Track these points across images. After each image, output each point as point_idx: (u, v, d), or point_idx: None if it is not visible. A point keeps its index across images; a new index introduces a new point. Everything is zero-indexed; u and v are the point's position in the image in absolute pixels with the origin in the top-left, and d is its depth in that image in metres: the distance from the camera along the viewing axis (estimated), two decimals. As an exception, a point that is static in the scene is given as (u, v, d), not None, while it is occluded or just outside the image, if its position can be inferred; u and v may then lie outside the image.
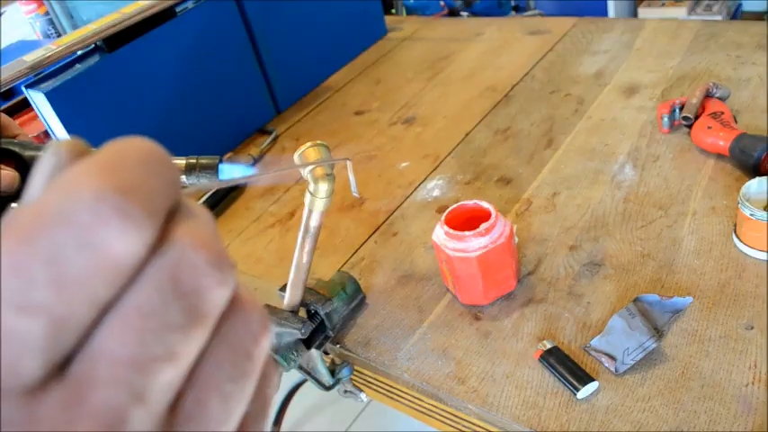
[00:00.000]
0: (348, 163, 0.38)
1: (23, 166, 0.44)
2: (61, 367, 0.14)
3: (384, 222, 0.87)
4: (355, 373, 0.73)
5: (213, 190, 0.99)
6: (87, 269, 0.13)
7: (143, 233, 0.14)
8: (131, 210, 0.14)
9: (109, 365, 0.14)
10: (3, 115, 0.48)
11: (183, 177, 0.47)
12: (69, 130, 0.88)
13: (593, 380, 0.57)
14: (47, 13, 1.26)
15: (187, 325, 0.15)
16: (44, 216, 0.13)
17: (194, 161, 0.46)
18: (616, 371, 0.58)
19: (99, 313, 0.14)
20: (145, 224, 0.14)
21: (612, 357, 0.58)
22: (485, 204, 0.66)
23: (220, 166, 0.47)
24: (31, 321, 0.13)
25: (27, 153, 0.44)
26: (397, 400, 0.72)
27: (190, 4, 1.03)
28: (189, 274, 0.15)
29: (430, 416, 0.69)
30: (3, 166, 0.43)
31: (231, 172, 0.48)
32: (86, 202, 0.13)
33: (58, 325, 0.13)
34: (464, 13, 2.13)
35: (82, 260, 0.13)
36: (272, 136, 1.14)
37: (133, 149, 0.15)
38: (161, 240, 0.15)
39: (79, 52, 0.91)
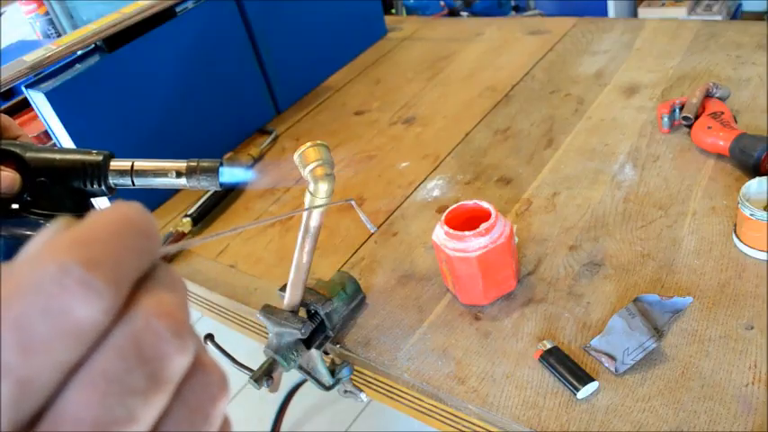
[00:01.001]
0: (352, 203, 0.38)
1: (24, 168, 0.44)
2: (30, 425, 0.14)
3: (384, 222, 0.87)
4: (355, 373, 0.73)
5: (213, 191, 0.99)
6: (51, 334, 0.14)
7: (104, 302, 0.15)
8: (93, 281, 0.15)
9: (73, 426, 0.14)
10: (4, 116, 0.48)
11: (184, 180, 0.46)
12: (69, 130, 0.88)
13: (593, 380, 0.57)
14: (47, 13, 1.26)
15: (148, 390, 0.15)
16: (14, 285, 0.14)
17: (195, 164, 0.46)
18: (616, 371, 0.58)
19: (64, 376, 0.15)
20: (106, 294, 0.15)
21: (612, 357, 0.58)
22: (485, 204, 0.66)
23: (221, 169, 0.47)
24: None
25: (28, 155, 0.44)
26: (397, 400, 0.72)
27: (190, 4, 1.03)
28: (151, 341, 0.16)
29: (430, 416, 0.69)
30: (3, 168, 0.42)
31: (232, 175, 0.48)
32: (52, 273, 0.15)
33: (24, 386, 0.14)
34: (464, 13, 2.13)
35: (46, 326, 0.14)
36: (272, 136, 1.14)
37: (111, 222, 0.16)
38: (126, 308, 0.16)
39: (79, 52, 0.91)
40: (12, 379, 0.14)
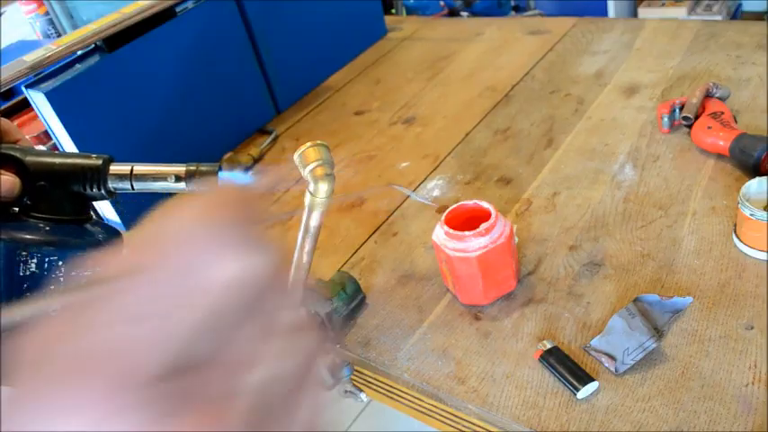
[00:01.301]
0: (398, 188, 0.38)
1: (24, 172, 0.44)
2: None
3: (384, 222, 0.87)
4: (355, 373, 0.73)
5: (213, 190, 0.99)
6: (211, 283, 0.18)
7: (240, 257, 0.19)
8: (233, 239, 0.20)
9: (237, 354, 0.18)
10: (3, 120, 0.48)
11: (183, 185, 0.46)
12: (69, 130, 0.88)
13: (593, 380, 0.57)
14: (47, 13, 1.26)
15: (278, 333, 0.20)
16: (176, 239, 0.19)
17: (194, 168, 0.46)
18: (616, 371, 0.58)
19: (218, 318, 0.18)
20: (240, 250, 0.20)
21: (612, 357, 0.58)
22: (485, 204, 0.66)
23: (220, 173, 0.47)
24: (190, 313, 0.17)
25: (28, 158, 0.44)
26: (397, 400, 0.72)
27: (190, 4, 1.03)
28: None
29: (430, 416, 0.69)
30: (3, 172, 0.42)
31: (231, 179, 0.48)
32: (208, 230, 0.19)
33: (200, 323, 0.18)
34: (464, 13, 2.13)
35: (208, 275, 0.18)
36: (272, 136, 1.14)
37: (231, 194, 0.22)
38: None
39: (79, 52, 0.91)
40: (200, 312, 0.17)
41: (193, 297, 0.18)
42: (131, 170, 0.46)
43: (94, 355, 0.17)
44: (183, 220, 0.20)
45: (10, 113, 1.15)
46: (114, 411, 0.16)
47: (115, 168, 0.46)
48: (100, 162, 0.45)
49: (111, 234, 0.46)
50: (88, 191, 0.45)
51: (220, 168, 0.47)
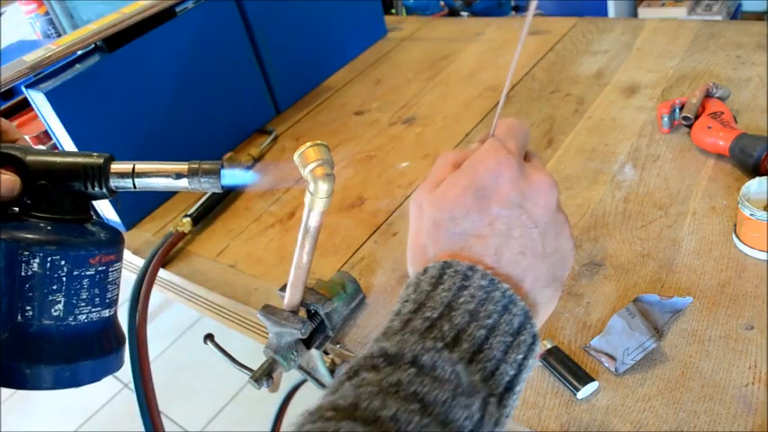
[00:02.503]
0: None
1: (24, 171, 0.44)
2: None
3: (384, 222, 0.87)
4: (355, 373, 0.73)
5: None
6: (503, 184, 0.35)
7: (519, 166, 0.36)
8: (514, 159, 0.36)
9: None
10: (2, 120, 0.48)
11: (185, 182, 0.46)
12: (69, 130, 0.88)
13: (593, 380, 0.57)
14: (47, 13, 1.26)
15: None
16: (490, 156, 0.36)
17: (196, 166, 0.46)
18: (616, 371, 0.58)
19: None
20: (522, 148, 0.38)
21: (612, 357, 0.58)
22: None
23: (222, 170, 0.46)
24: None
25: (28, 158, 0.44)
26: (397, 400, 0.72)
27: (190, 4, 1.03)
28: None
29: (430, 416, 0.69)
30: (3, 171, 0.42)
31: (233, 177, 0.47)
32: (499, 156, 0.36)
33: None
34: (464, 13, 2.13)
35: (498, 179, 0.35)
36: (272, 136, 1.14)
37: (515, 122, 0.39)
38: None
39: (79, 52, 0.91)
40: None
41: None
42: (133, 168, 0.46)
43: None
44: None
45: (10, 113, 1.15)
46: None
47: (116, 167, 0.46)
48: (101, 161, 0.45)
49: (113, 233, 0.46)
50: (89, 189, 0.45)
51: (223, 166, 0.46)
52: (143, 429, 0.76)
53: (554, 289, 0.36)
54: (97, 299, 0.44)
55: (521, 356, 0.31)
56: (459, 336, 0.31)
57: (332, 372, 0.71)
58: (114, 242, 0.45)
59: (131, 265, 0.96)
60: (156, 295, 0.87)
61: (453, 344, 0.30)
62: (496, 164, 0.35)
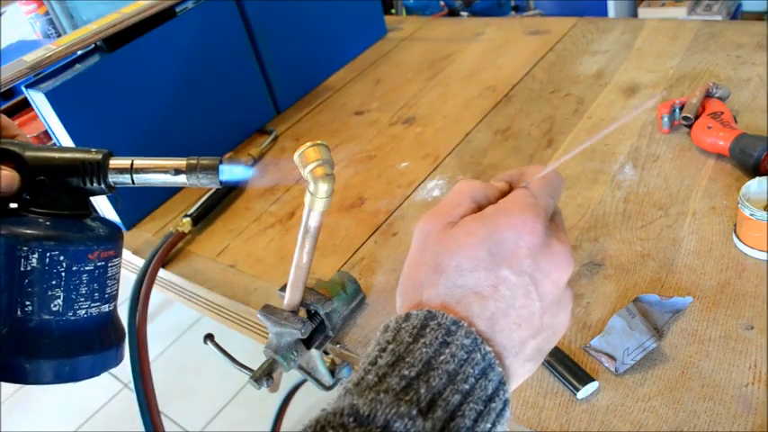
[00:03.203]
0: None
1: (23, 167, 0.44)
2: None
3: (384, 222, 0.87)
4: (355, 373, 0.73)
5: (213, 189, 0.99)
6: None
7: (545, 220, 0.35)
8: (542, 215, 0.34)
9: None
10: (2, 116, 0.48)
11: (184, 178, 0.46)
12: (69, 130, 0.88)
13: (593, 380, 0.57)
14: (47, 13, 1.26)
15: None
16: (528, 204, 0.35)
17: (195, 161, 0.46)
18: (616, 371, 0.58)
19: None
20: (552, 209, 0.37)
21: (612, 357, 0.58)
22: (485, 204, 0.66)
23: (221, 166, 0.46)
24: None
25: (27, 153, 0.44)
26: (397, 400, 0.72)
27: (190, 4, 1.03)
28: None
29: (430, 416, 0.69)
30: (2, 167, 0.42)
31: (232, 173, 0.47)
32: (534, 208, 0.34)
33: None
34: (464, 13, 2.13)
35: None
36: (272, 136, 1.14)
37: (553, 176, 0.37)
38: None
39: (79, 52, 0.91)
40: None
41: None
42: (131, 164, 0.46)
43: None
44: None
45: (10, 113, 1.15)
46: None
47: (115, 162, 0.46)
48: (100, 156, 0.45)
49: (112, 229, 0.46)
50: (88, 185, 0.45)
51: (221, 162, 0.46)
52: (143, 429, 0.76)
53: (536, 362, 0.35)
54: (96, 294, 0.44)
55: (489, 425, 0.30)
56: (435, 400, 0.29)
57: (332, 372, 0.71)
58: (113, 238, 0.46)
59: (131, 265, 0.96)
60: (156, 295, 0.87)
61: (428, 409, 0.29)
62: (522, 223, 0.33)
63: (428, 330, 0.31)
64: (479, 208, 0.36)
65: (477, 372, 0.30)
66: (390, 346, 0.31)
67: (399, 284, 0.37)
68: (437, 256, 0.34)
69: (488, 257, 0.33)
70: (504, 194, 0.37)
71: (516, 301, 0.33)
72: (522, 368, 0.34)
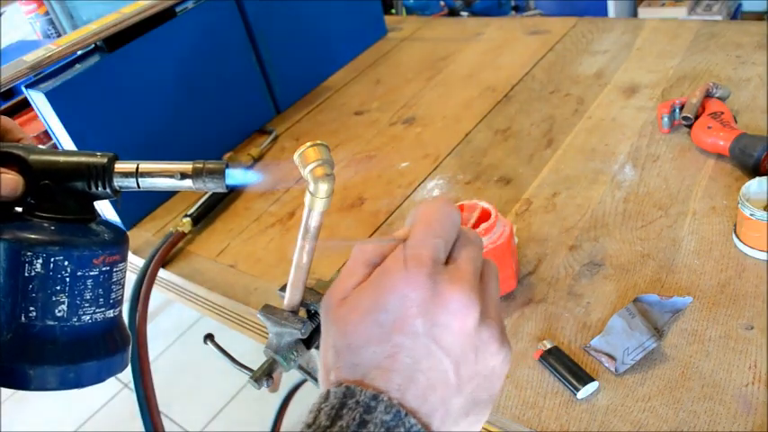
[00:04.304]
0: None
1: (27, 171, 0.43)
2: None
3: (384, 222, 0.87)
4: (355, 373, 0.73)
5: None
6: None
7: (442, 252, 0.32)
8: (438, 247, 0.32)
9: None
10: (6, 119, 0.47)
11: (190, 182, 0.46)
12: (69, 130, 0.88)
13: (593, 380, 0.57)
14: (47, 13, 1.26)
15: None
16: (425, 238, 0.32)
17: (201, 166, 0.46)
18: (616, 371, 0.58)
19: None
20: (443, 249, 0.32)
21: (612, 357, 0.58)
22: (485, 204, 0.66)
23: (227, 170, 0.46)
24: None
25: (31, 157, 0.44)
26: (397, 400, 0.72)
27: (190, 4, 1.03)
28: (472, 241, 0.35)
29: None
30: (6, 171, 0.42)
31: (238, 177, 0.47)
32: (426, 239, 0.32)
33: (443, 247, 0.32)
34: (464, 13, 2.13)
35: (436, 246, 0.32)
36: (272, 136, 1.14)
37: (435, 214, 0.33)
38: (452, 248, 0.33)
39: (79, 52, 0.91)
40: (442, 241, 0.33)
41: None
42: (137, 168, 0.45)
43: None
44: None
45: (10, 113, 1.15)
46: None
47: (120, 166, 0.45)
48: (105, 160, 0.45)
49: (117, 233, 0.46)
50: (93, 189, 0.45)
51: (227, 166, 0.46)
52: (143, 429, 0.76)
53: (476, 414, 0.32)
54: (101, 299, 0.44)
55: None
56: None
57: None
58: (118, 242, 0.45)
59: (131, 264, 0.96)
60: (156, 295, 0.87)
61: None
62: (404, 281, 0.30)
63: (345, 410, 0.29)
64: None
65: None
66: (309, 431, 0.29)
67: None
68: (333, 338, 0.32)
69: (377, 329, 0.30)
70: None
71: (420, 365, 0.30)
72: (457, 426, 0.31)
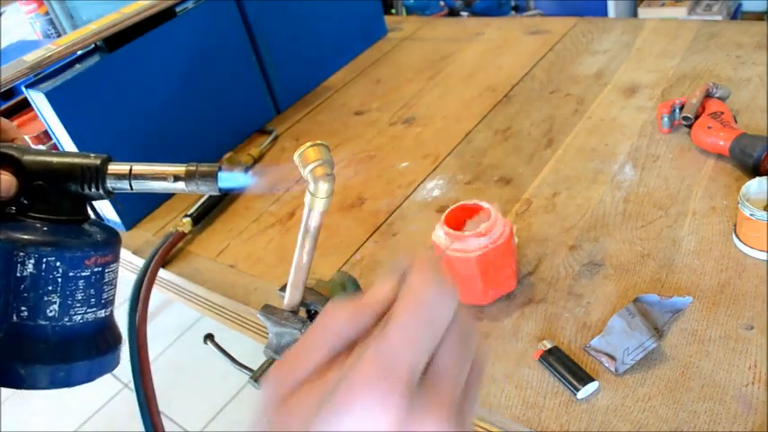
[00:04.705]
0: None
1: (21, 171, 0.43)
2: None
3: (384, 222, 0.87)
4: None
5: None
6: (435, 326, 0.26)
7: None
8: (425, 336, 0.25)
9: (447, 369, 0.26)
10: (1, 119, 0.47)
11: (182, 185, 0.46)
12: (69, 130, 0.88)
13: (593, 380, 0.57)
14: (47, 13, 1.26)
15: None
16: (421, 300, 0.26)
17: (194, 168, 0.46)
18: (616, 371, 0.58)
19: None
20: (427, 352, 0.25)
21: (612, 357, 0.58)
22: (485, 204, 0.66)
23: (219, 174, 0.46)
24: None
25: (25, 158, 0.44)
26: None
27: (190, 4, 1.03)
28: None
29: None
30: (0, 171, 0.42)
31: (230, 180, 0.47)
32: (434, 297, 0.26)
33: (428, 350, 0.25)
34: (464, 13, 2.13)
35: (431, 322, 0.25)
36: (272, 136, 1.14)
37: (428, 295, 0.26)
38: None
39: (79, 52, 0.91)
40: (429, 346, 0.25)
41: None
42: (130, 170, 0.45)
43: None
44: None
45: (10, 113, 1.15)
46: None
47: (114, 168, 0.45)
48: (98, 161, 0.45)
49: (110, 234, 0.46)
50: (86, 190, 0.45)
51: (220, 169, 0.46)
52: (143, 429, 0.76)
53: None
54: (93, 299, 0.44)
55: None
56: None
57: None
58: (110, 243, 0.45)
59: (131, 265, 0.96)
60: (156, 295, 0.87)
61: None
62: (369, 399, 0.23)
63: None
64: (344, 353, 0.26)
65: None
66: None
67: None
68: None
69: None
70: (388, 308, 0.26)
71: None
72: None
